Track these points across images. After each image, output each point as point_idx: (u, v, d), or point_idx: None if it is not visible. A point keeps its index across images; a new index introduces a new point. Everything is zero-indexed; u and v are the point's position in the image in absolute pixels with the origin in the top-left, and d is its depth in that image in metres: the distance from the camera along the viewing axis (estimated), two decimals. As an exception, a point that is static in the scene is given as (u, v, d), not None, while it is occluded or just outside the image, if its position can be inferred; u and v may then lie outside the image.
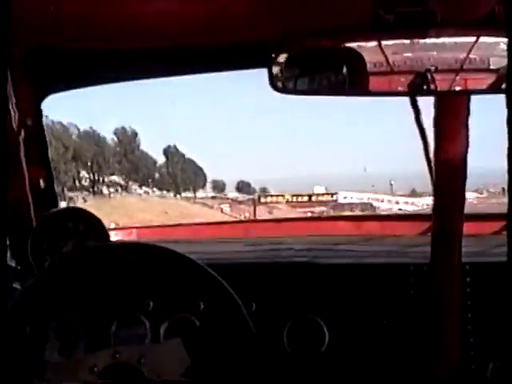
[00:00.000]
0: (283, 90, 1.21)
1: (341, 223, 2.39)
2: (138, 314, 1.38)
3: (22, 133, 1.50)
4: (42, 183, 1.60)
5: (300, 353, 1.47)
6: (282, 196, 31.89)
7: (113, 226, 2.13)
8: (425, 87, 1.11)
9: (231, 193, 36.46)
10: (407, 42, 1.12)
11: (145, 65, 1.58)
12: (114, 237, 1.71)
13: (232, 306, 1.26)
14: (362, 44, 1.13)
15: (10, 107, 1.45)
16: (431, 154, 1.34)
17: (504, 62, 1.07)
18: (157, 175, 38.01)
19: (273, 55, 1.17)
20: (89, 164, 34.60)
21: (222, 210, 31.63)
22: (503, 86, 1.10)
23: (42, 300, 1.28)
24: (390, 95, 1.19)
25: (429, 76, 1.11)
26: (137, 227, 2.42)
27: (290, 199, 30.93)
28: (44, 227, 1.51)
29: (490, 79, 1.11)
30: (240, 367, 1.26)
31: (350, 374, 1.49)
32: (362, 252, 1.82)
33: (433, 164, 1.33)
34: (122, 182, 36.55)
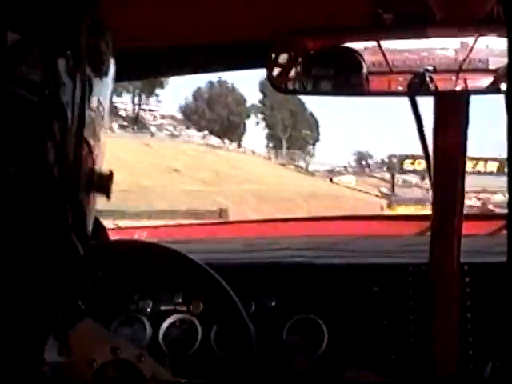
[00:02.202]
0: (282, 89, 1.22)
1: (339, 223, 2.39)
2: (138, 314, 1.38)
3: None
4: None
5: (299, 353, 1.47)
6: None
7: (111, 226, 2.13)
8: (424, 87, 1.12)
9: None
10: (406, 41, 1.12)
11: (144, 65, 1.58)
12: (113, 236, 1.71)
13: (231, 305, 1.26)
14: (362, 43, 1.14)
15: None
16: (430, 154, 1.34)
17: (503, 61, 1.07)
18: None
19: (272, 55, 1.17)
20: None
21: (331, 180, 26.58)
22: (502, 86, 1.10)
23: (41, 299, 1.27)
24: (390, 95, 1.19)
25: (428, 76, 1.11)
26: (137, 227, 2.42)
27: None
28: None
29: (489, 79, 1.12)
30: (238, 367, 1.26)
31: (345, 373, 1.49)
32: (361, 252, 1.82)
33: (432, 164, 1.34)
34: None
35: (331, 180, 26.77)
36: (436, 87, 1.12)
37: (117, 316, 1.36)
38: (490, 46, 1.10)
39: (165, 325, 1.38)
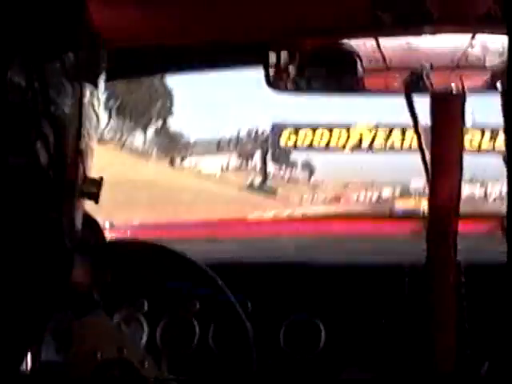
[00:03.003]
0: (280, 88, 1.22)
1: (337, 223, 2.39)
2: (135, 313, 1.38)
3: None
4: None
5: (296, 352, 1.47)
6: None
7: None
8: (420, 86, 1.12)
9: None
10: (404, 40, 1.12)
11: (142, 63, 1.57)
12: (110, 235, 1.71)
13: (228, 305, 1.26)
14: (359, 42, 1.14)
15: None
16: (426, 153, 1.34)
17: (499, 60, 1.08)
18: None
19: (270, 54, 1.17)
20: None
21: (172, 163, 20.07)
22: (498, 84, 1.10)
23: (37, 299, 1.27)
24: (387, 94, 1.19)
25: (424, 75, 1.11)
26: (134, 226, 2.42)
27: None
28: None
29: (485, 78, 1.12)
30: (235, 366, 1.26)
31: (344, 373, 1.49)
32: (358, 252, 1.82)
33: (428, 162, 1.34)
34: None
35: (172, 163, 20.80)
36: (432, 85, 1.12)
37: (114, 314, 1.36)
38: (486, 45, 1.10)
39: (162, 323, 1.38)
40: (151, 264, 1.33)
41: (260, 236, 2.19)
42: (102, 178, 1.12)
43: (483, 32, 1.07)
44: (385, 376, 1.48)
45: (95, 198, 1.11)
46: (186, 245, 1.86)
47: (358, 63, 1.13)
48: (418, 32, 1.08)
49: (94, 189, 1.10)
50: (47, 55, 0.89)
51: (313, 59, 1.17)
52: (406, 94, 1.23)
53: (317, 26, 1.18)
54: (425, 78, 1.11)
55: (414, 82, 1.12)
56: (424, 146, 1.34)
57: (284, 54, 1.18)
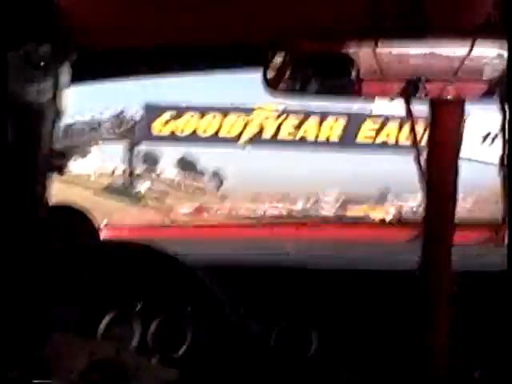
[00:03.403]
0: (278, 92, 1.22)
1: (332, 229, 2.39)
2: (127, 313, 1.38)
3: None
4: None
5: (288, 356, 1.47)
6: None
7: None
8: (419, 93, 1.12)
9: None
10: (403, 47, 1.12)
11: (140, 64, 1.57)
12: (105, 235, 1.71)
13: (219, 308, 1.26)
14: (358, 48, 1.14)
15: None
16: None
17: (497, 69, 1.08)
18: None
19: (269, 56, 1.18)
20: None
21: None
22: (496, 92, 1.10)
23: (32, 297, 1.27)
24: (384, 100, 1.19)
25: (422, 82, 1.11)
26: (130, 226, 2.42)
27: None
28: None
29: (483, 86, 1.12)
30: (226, 369, 1.26)
31: (337, 378, 1.49)
32: (353, 258, 1.82)
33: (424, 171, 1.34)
34: None
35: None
36: (430, 94, 1.12)
37: (106, 315, 1.36)
38: (485, 54, 1.10)
39: (154, 325, 1.38)
40: (143, 265, 1.33)
41: (257, 240, 2.20)
42: (67, 150, 1.18)
43: (483, 38, 1.08)
44: (378, 380, 1.48)
45: (61, 170, 1.16)
46: (183, 246, 1.86)
47: (355, 69, 1.13)
48: (417, 36, 1.09)
49: (60, 161, 1.15)
50: (10, 44, 0.92)
51: (311, 63, 1.18)
52: (405, 103, 1.23)
53: (316, 27, 1.18)
54: (422, 86, 1.11)
55: (412, 90, 1.12)
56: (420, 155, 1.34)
57: (282, 57, 1.18)
